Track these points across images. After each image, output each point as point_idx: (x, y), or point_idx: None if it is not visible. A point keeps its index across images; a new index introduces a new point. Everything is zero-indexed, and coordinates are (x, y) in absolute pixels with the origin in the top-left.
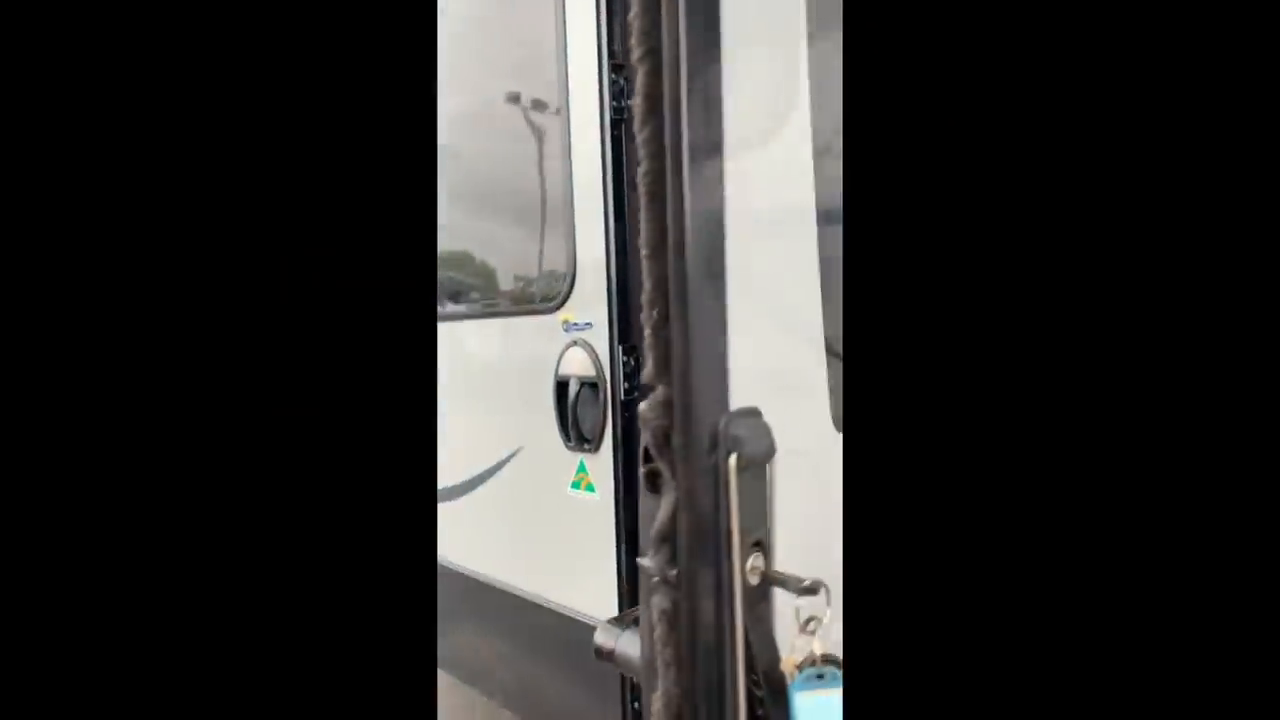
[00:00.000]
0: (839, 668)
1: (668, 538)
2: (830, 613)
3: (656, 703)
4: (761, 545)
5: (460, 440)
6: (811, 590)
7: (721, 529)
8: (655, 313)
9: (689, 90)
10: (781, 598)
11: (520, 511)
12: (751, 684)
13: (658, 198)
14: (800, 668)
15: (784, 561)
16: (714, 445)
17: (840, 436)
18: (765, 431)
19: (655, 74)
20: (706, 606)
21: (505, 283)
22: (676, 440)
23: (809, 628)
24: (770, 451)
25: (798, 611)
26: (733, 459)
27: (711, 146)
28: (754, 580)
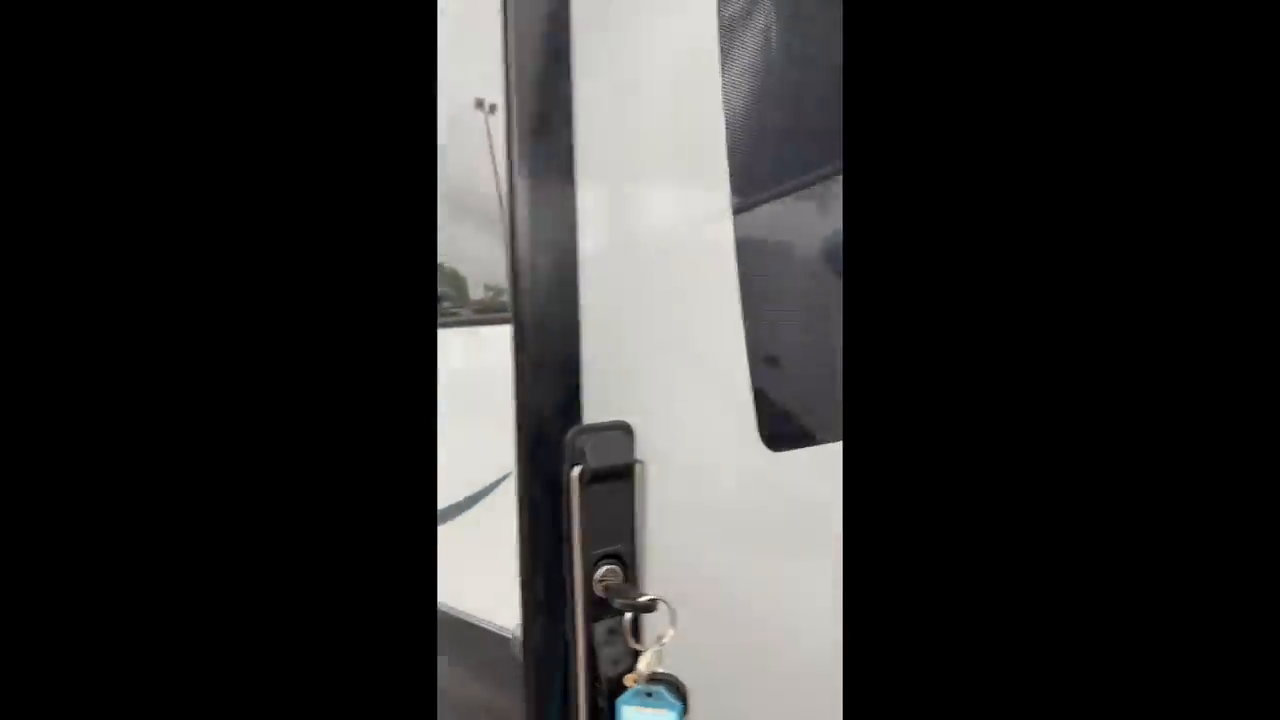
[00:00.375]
0: (670, 687)
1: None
2: (672, 632)
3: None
4: (620, 558)
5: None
6: (647, 608)
7: (565, 541)
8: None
9: (526, 130)
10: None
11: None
12: (597, 694)
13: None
14: (635, 683)
15: (688, 577)
16: (560, 458)
17: (769, 452)
18: (622, 446)
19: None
20: (543, 618)
21: (475, 291)
22: (516, 453)
23: (654, 645)
24: (627, 466)
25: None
26: (575, 471)
27: (556, 177)
28: (599, 592)
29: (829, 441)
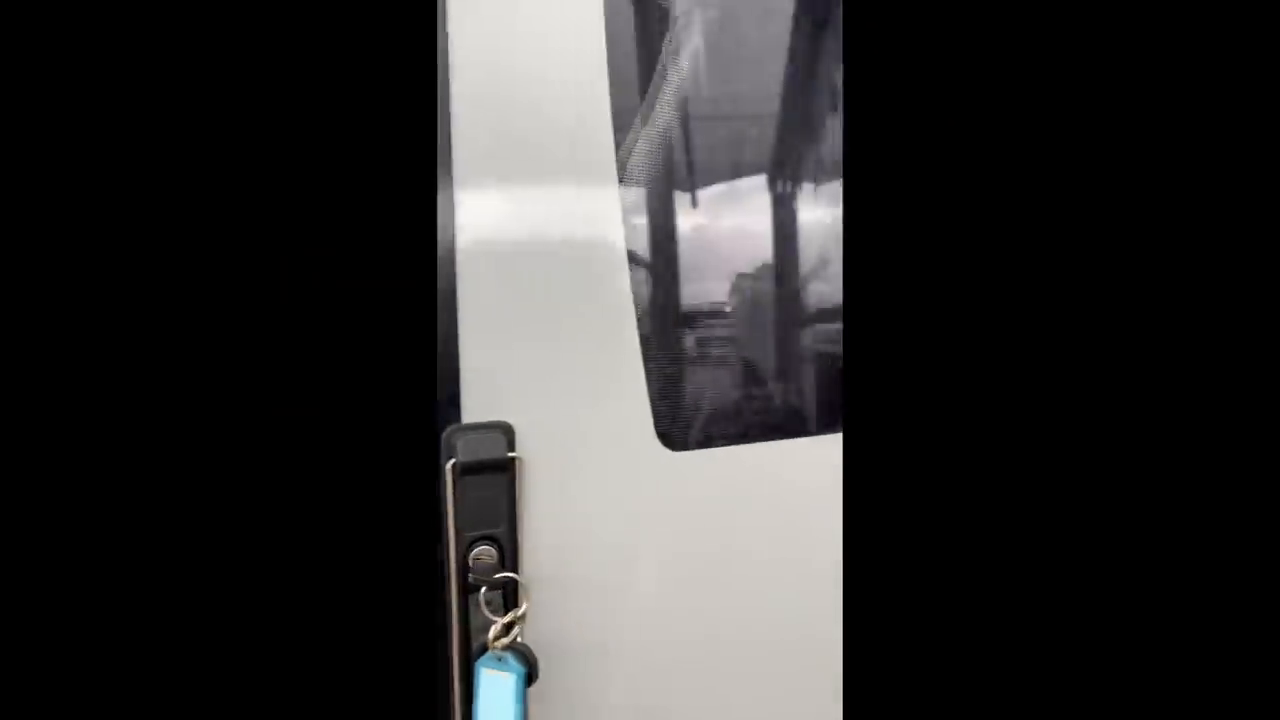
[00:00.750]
0: (519, 655)
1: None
2: (526, 607)
3: None
4: (496, 540)
5: None
6: (499, 585)
7: (449, 527)
8: None
9: None
10: (545, 593)
11: None
12: (468, 656)
13: None
14: (490, 648)
15: (573, 561)
16: (440, 454)
17: (664, 450)
18: (496, 443)
19: None
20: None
21: None
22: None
23: (510, 618)
24: (500, 460)
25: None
26: (449, 465)
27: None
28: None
29: (729, 444)
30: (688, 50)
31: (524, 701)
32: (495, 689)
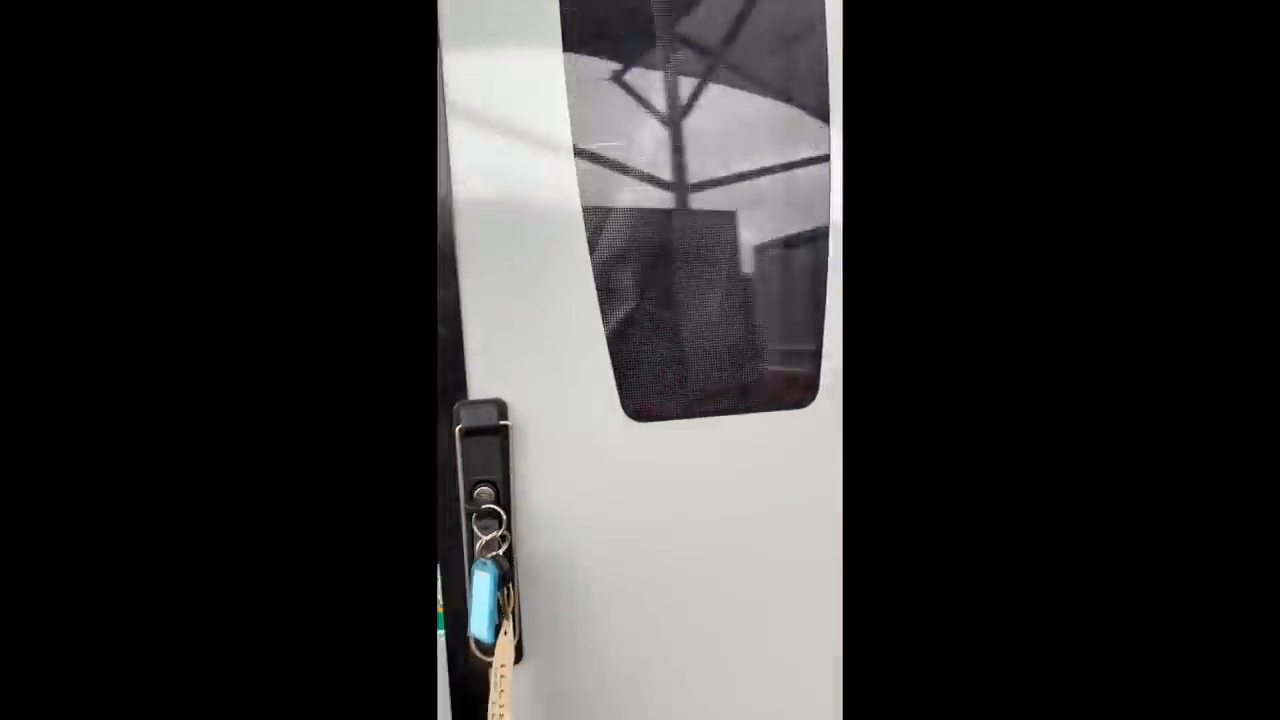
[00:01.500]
0: (495, 562)
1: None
2: (501, 531)
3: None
4: (492, 483)
5: None
6: (486, 513)
7: (458, 471)
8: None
9: None
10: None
11: None
12: (470, 558)
13: None
14: (478, 558)
15: (551, 500)
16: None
17: (632, 423)
18: (490, 413)
19: None
20: (451, 515)
21: None
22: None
23: (490, 538)
24: (492, 428)
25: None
26: (457, 429)
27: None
28: (477, 503)
29: (687, 417)
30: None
31: (496, 592)
32: (480, 582)
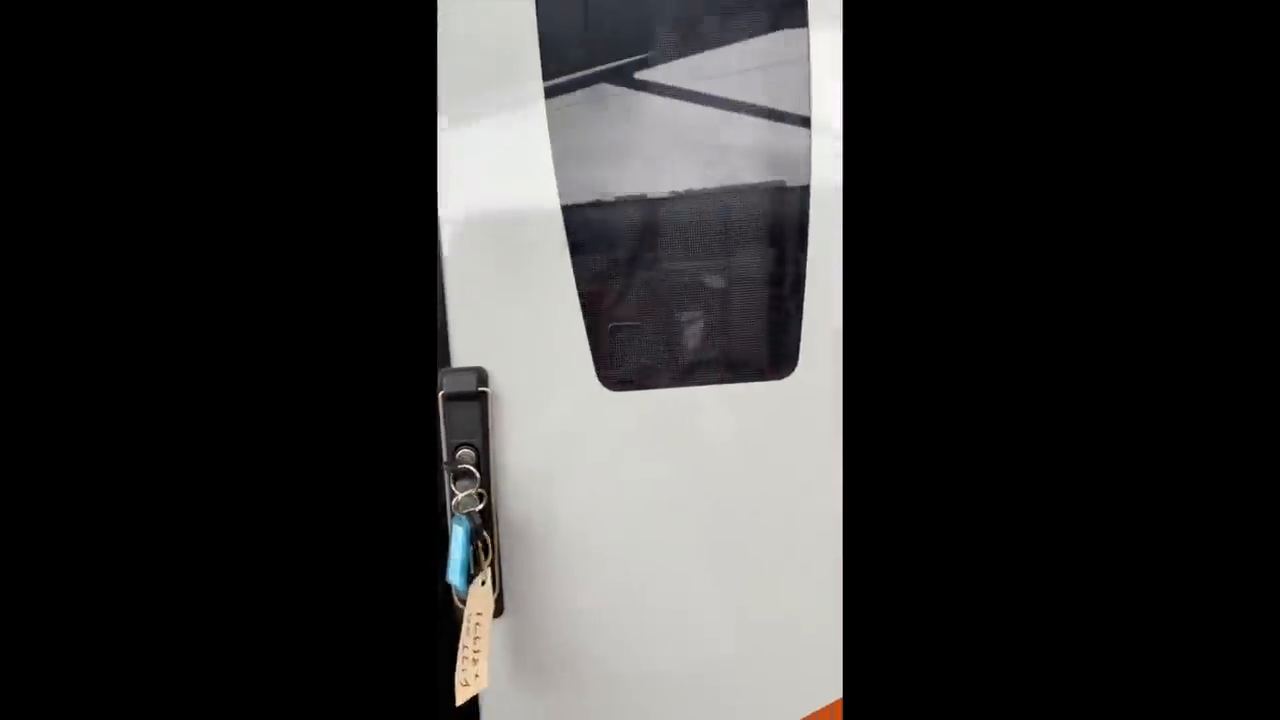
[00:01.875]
0: (469, 516)
1: None
2: (475, 490)
3: None
4: (471, 445)
5: None
6: (463, 474)
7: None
8: None
9: None
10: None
11: None
12: (450, 514)
13: None
14: (456, 511)
15: (532, 480)
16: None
17: (607, 392)
18: (470, 380)
19: None
20: (435, 473)
21: None
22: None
23: (464, 495)
24: (472, 393)
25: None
26: (440, 394)
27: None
28: (458, 463)
29: (663, 387)
30: None
31: (469, 543)
32: (455, 534)
